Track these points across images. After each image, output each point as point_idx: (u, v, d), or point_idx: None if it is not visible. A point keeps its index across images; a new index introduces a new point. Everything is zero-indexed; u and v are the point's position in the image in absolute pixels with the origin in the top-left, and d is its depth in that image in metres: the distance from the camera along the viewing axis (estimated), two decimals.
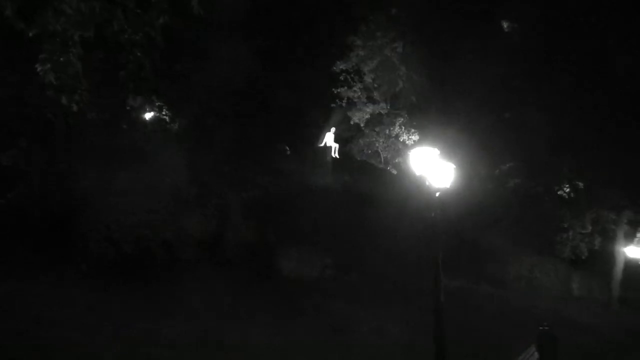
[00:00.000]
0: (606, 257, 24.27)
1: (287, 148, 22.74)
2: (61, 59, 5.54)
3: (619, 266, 23.74)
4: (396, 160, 24.63)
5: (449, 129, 20.55)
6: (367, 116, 24.25)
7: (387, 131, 24.17)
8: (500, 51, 23.47)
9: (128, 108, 17.69)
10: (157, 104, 19.20)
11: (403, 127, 23.90)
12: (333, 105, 24.44)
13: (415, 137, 23.64)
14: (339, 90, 24.13)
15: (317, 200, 18.16)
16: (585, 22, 22.07)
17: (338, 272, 16.90)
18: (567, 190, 24.17)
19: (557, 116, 22.18)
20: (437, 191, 8.21)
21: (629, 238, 24.14)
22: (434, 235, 8.36)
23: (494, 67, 22.55)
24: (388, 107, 24.51)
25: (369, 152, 25.25)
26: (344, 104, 24.41)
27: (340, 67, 23.96)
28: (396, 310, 14.60)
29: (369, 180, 21.62)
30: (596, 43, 21.48)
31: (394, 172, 24.44)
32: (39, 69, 5.45)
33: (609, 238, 24.38)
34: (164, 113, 19.69)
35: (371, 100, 24.42)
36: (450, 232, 14.99)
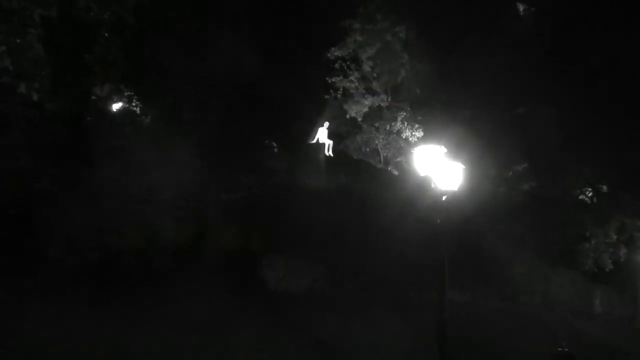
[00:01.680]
0: (632, 269, 24.47)
1: (275, 144, 22.72)
2: (19, 40, 5.51)
3: None
4: (398, 160, 24.70)
5: (456, 125, 20.68)
6: (365, 109, 24.27)
7: (387, 127, 24.23)
8: (512, 39, 23.69)
9: (94, 98, 17.60)
10: (126, 93, 19.12)
11: (406, 122, 23.96)
12: (327, 96, 24.44)
13: (420, 134, 23.71)
14: (333, 79, 24.14)
15: (309, 203, 18.15)
16: (597, 13, 22.47)
17: (331, 283, 16.90)
18: (589, 194, 24.34)
19: (578, 112, 22.42)
20: (444, 194, 8.25)
21: None
22: (438, 244, 8.40)
23: (505, 56, 22.74)
24: (389, 100, 24.58)
25: (367, 150, 25.30)
26: (339, 96, 24.42)
27: (335, 53, 23.98)
28: (395, 325, 14.65)
29: (366, 182, 21.65)
30: (609, 36, 21.87)
31: (395, 172, 24.51)
32: None
33: (636, 248, 24.56)
34: (134, 104, 19.60)
35: (370, 91, 24.46)
36: (456, 240, 15.05)
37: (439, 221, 8.30)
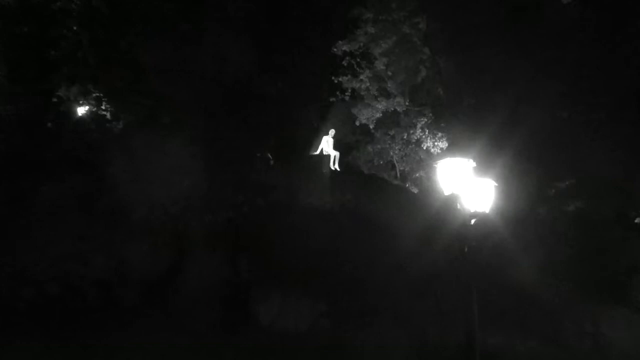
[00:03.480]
0: None
1: (270, 156, 22.79)
2: None
3: None
4: (417, 175, 24.71)
5: (487, 133, 20.71)
6: (378, 115, 24.36)
7: (404, 135, 24.29)
8: (554, 30, 23.75)
9: (55, 100, 17.73)
10: (94, 94, 19.26)
11: (426, 130, 24.01)
12: (332, 99, 24.56)
13: (443, 144, 23.75)
14: (340, 79, 24.26)
15: (310, 226, 18.17)
16: None
17: (336, 323, 16.84)
18: None
19: (635, 117, 22.44)
20: (472, 217, 8.27)
21: None
22: (466, 277, 8.40)
23: (546, 51, 22.80)
24: (406, 103, 24.66)
25: (381, 162, 25.33)
26: (347, 98, 24.53)
27: (343, 48, 24.10)
28: None
29: (379, 201, 21.66)
30: None
31: (414, 190, 24.52)
32: None
33: None
34: (103, 107, 19.73)
35: (384, 93, 24.55)
36: (487, 272, 14.98)
37: (466, 249, 8.30)
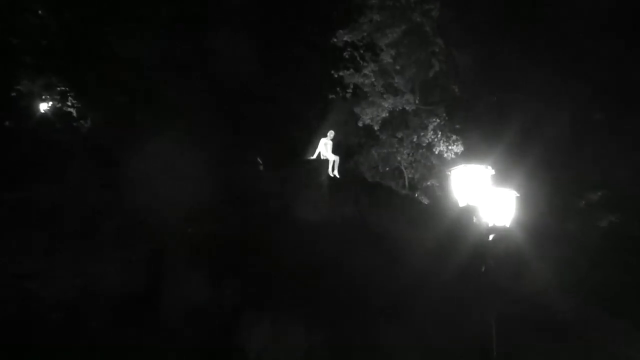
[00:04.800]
0: None
1: (260, 160, 22.79)
2: None
3: None
4: (428, 183, 24.74)
5: (508, 137, 20.76)
6: (385, 114, 24.41)
7: (414, 138, 24.34)
8: (587, 21, 23.83)
9: (14, 94, 17.72)
10: (59, 88, 19.23)
11: (439, 133, 24.06)
12: (332, 96, 24.58)
13: (458, 148, 23.80)
14: (341, 73, 24.30)
15: (305, 240, 18.16)
16: None
17: (334, 353, 16.82)
18: None
19: None
20: (491, 232, 8.30)
21: None
22: (484, 299, 8.42)
23: (577, 44, 22.86)
24: (417, 102, 24.73)
25: (387, 169, 25.38)
26: (348, 95, 24.56)
27: (345, 38, 24.17)
28: None
29: (385, 213, 21.67)
30: None
31: (425, 200, 24.53)
32: None
33: None
34: (69, 103, 19.71)
35: (391, 90, 24.62)
36: (508, 293, 14.97)
37: (484, 268, 8.32)
